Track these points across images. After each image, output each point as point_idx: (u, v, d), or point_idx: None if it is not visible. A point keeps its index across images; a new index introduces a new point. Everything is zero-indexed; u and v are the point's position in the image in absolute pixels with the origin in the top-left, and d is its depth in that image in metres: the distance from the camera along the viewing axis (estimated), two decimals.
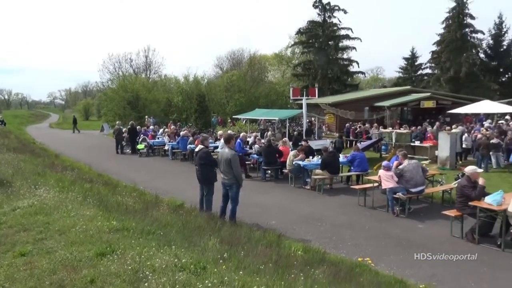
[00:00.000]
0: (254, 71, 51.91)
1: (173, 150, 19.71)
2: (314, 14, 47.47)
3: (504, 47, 44.14)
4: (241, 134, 17.33)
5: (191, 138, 18.76)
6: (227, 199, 8.66)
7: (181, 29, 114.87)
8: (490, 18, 63.53)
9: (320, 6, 45.73)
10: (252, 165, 15.64)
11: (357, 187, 11.23)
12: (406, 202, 9.62)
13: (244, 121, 29.51)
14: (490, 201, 7.59)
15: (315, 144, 18.52)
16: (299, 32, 48.18)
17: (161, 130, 24.20)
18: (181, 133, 20.15)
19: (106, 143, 27.01)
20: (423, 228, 8.75)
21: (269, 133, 21.69)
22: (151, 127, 25.48)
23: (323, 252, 6.84)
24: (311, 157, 13.85)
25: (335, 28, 46.19)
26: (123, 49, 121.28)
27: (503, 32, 44.09)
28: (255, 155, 15.46)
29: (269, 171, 14.68)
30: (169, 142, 20.47)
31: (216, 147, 16.89)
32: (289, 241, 7.45)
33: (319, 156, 13.70)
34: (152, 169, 17.07)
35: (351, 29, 45.75)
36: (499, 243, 7.51)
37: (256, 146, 15.70)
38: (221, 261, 4.82)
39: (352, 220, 9.40)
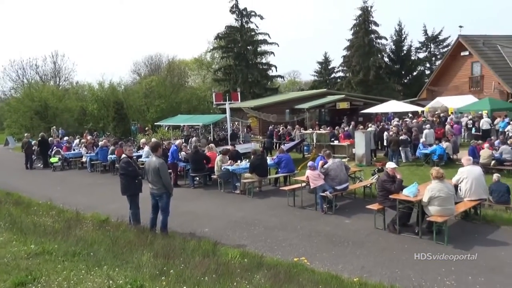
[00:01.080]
0: (174, 77, 50.93)
1: (92, 162, 18.47)
2: (231, 19, 47.99)
3: (404, 51, 48.83)
4: (177, 141, 16.82)
5: (111, 148, 17.75)
6: (157, 210, 8.30)
7: (93, 33, 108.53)
8: (391, 25, 69.81)
9: (237, 12, 46.37)
10: (179, 173, 15.23)
11: (285, 188, 11.50)
12: (333, 200, 10.08)
13: (167, 127, 28.72)
14: (407, 193, 8.25)
15: (241, 148, 18.66)
16: (217, 37, 48.34)
17: (76, 141, 22.58)
18: (100, 143, 18.98)
19: (13, 158, 24.50)
20: (350, 223, 9.24)
21: (194, 139, 21.39)
22: (65, 138, 23.64)
23: (260, 256, 6.87)
24: (239, 161, 13.90)
25: (253, 33, 47.17)
26: (27, 54, 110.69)
27: (403, 38, 48.75)
28: (181, 163, 15.10)
29: (198, 178, 14.43)
30: (87, 153, 19.17)
31: (140, 156, 16.19)
32: (225, 247, 7.36)
33: (247, 160, 13.80)
34: (69, 184, 15.80)
35: (268, 34, 47.11)
36: (416, 231, 8.19)
37: (183, 153, 15.33)
38: (159, 276, 4.57)
39: (283, 221, 9.59)
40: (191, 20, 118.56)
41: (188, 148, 16.19)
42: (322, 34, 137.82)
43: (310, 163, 10.95)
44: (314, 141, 20.47)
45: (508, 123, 21.00)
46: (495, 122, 21.73)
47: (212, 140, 21.28)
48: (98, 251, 5.84)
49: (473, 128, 21.94)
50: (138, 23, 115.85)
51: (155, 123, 30.83)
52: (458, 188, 8.99)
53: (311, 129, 23.92)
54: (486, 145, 16.14)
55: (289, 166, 13.21)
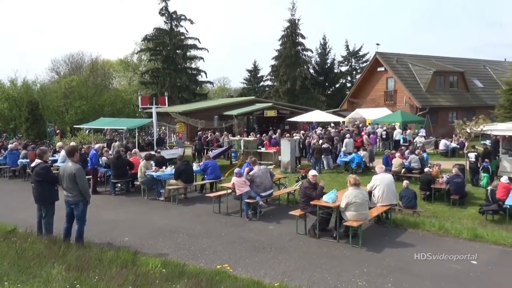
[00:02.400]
0: (97, 77, 48.35)
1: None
2: (161, 22, 46.97)
3: (328, 64, 51.55)
4: (97, 145, 15.86)
5: (23, 151, 16.29)
6: (72, 219, 7.74)
7: (4, 26, 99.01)
8: (317, 38, 73.33)
9: (166, 14, 45.53)
10: (99, 179, 14.42)
11: (211, 195, 11.43)
12: (258, 206, 10.23)
13: (87, 131, 27.11)
14: (326, 199, 8.67)
15: (167, 153, 18.23)
16: (145, 38, 46.97)
17: None
18: (9, 146, 17.33)
19: None
20: (273, 228, 9.44)
21: (117, 143, 20.44)
22: None
23: (182, 264, 6.72)
24: (164, 167, 13.55)
25: (183, 37, 46.61)
26: None
27: (327, 52, 51.47)
28: (102, 168, 14.32)
29: (119, 185, 13.78)
30: None
31: (55, 161, 15.06)
32: (146, 257, 7.09)
33: (172, 166, 13.51)
34: None
35: (198, 39, 46.86)
36: (334, 235, 8.63)
37: (104, 158, 14.55)
38: None
39: (208, 228, 9.52)
40: (117, 19, 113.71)
41: (110, 153, 15.42)
42: (252, 43, 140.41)
43: (236, 169, 11.03)
44: (242, 148, 20.67)
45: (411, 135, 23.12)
46: (407, 133, 23.72)
47: (138, 144, 20.49)
48: (1, 265, 5.29)
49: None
50: (59, 18, 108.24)
51: (74, 126, 28.96)
52: (372, 194, 9.64)
53: (239, 136, 24.15)
54: (397, 154, 17.57)
55: (215, 173, 13.18)
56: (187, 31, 46.66)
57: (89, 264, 5.91)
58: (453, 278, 6.58)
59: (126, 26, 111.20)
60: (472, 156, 16.12)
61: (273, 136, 22.71)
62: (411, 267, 7.07)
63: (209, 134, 25.10)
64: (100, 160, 14.27)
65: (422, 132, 24.93)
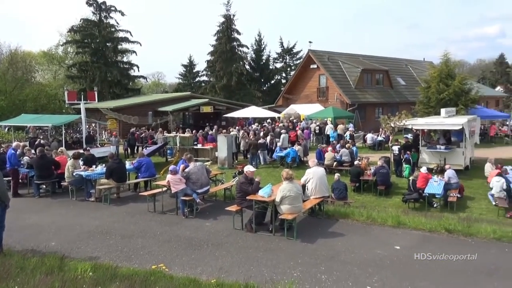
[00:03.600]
0: (17, 70, 44.57)
1: None
2: (88, 12, 44.49)
3: (264, 61, 52.26)
4: (14, 144, 14.58)
5: None
6: None
7: None
8: (252, 35, 73.93)
9: (94, 4, 43.21)
10: (20, 181, 13.34)
11: (145, 193, 11.08)
12: (194, 203, 10.12)
13: (7, 128, 24.94)
14: (262, 193, 8.81)
15: (97, 151, 17.38)
16: (72, 30, 44.15)
17: None
18: None
19: None
20: (210, 225, 9.40)
21: (42, 141, 19.07)
22: None
23: (114, 267, 6.45)
24: (94, 166, 12.89)
25: (113, 29, 44.53)
26: None
27: (262, 48, 52.12)
28: (24, 169, 13.27)
29: (44, 186, 12.86)
30: None
31: None
32: (74, 261, 6.72)
33: (103, 165, 12.90)
34: None
35: (130, 32, 45.07)
36: (270, 229, 8.80)
37: (26, 158, 13.48)
38: None
39: (143, 228, 9.23)
40: (39, 8, 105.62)
41: (32, 152, 14.33)
42: (188, 37, 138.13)
43: (171, 167, 10.81)
44: (178, 145, 20.31)
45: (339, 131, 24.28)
46: (338, 128, 24.82)
47: (65, 142, 19.24)
48: None
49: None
50: None
51: None
52: (306, 187, 9.97)
53: (174, 132, 23.68)
54: (329, 148, 18.35)
55: (150, 170, 12.82)
56: (117, 23, 44.72)
57: (9, 273, 5.47)
58: (378, 263, 7.03)
59: (49, 16, 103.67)
60: (395, 149, 17.31)
61: (210, 132, 22.58)
62: (341, 255, 7.44)
63: (143, 130, 24.31)
64: (21, 159, 13.21)
65: (351, 127, 26.28)
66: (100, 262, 6.87)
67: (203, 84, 52.66)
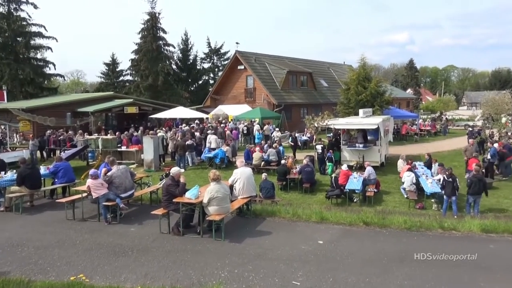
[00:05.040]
0: None
1: None
2: None
3: (191, 61, 51.66)
4: None
5: None
6: None
7: None
8: (179, 34, 72.63)
9: None
10: None
11: (63, 200, 10.35)
12: (118, 208, 9.68)
13: None
14: (189, 195, 8.69)
15: (7, 156, 15.89)
16: None
17: None
18: None
19: None
20: (135, 230, 9.06)
21: None
22: None
23: (27, 281, 5.95)
24: (3, 172, 11.75)
25: (24, 23, 40.88)
26: None
27: (189, 48, 51.48)
28: None
29: None
30: None
31: None
32: None
33: (14, 171, 11.81)
34: None
35: (44, 27, 41.73)
36: (198, 231, 8.72)
37: None
38: None
39: (60, 237, 8.61)
40: None
41: None
42: (110, 34, 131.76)
43: (92, 171, 10.23)
44: (100, 147, 19.27)
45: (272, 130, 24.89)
46: (264, 128, 25.33)
47: None
48: None
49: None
50: None
51: None
52: (233, 187, 10.04)
53: (96, 134, 22.43)
54: (257, 148, 18.66)
55: (68, 175, 12.01)
56: (29, 16, 41.11)
57: None
58: (303, 258, 7.31)
59: None
60: (319, 147, 18.14)
61: (135, 134, 21.75)
62: (268, 253, 7.60)
63: (61, 133, 22.69)
64: None
65: (272, 127, 26.97)
66: (10, 277, 6.29)
67: (127, 84, 50.57)
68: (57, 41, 42.47)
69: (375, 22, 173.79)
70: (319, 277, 6.50)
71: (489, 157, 16.17)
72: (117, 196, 9.71)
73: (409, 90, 70.90)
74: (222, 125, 25.46)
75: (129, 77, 51.95)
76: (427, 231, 8.88)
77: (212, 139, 20.54)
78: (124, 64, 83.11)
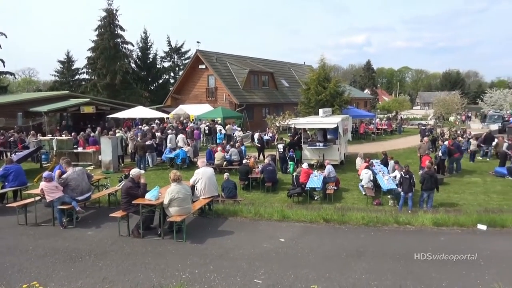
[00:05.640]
0: None
1: None
2: None
3: (151, 59, 50.55)
4: None
5: None
6: None
7: None
8: (137, 31, 70.98)
9: None
10: None
11: (15, 204, 9.85)
12: (74, 212, 9.33)
13: None
14: (149, 197, 8.53)
15: None
16: None
17: None
18: None
19: None
20: (93, 234, 8.77)
21: None
22: None
23: None
24: None
25: None
26: None
27: (148, 46, 50.34)
28: None
29: None
30: None
31: None
32: None
33: None
34: None
35: None
36: (159, 232, 8.58)
37: None
38: None
39: (12, 243, 8.18)
40: None
41: None
42: (65, 31, 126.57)
43: (45, 173, 9.78)
44: (55, 149, 18.47)
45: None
46: (226, 128, 25.30)
47: None
48: None
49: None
50: None
51: None
52: (195, 188, 9.96)
53: (50, 135, 21.46)
54: (219, 148, 18.59)
55: (19, 179, 11.41)
56: None
57: None
58: (265, 257, 7.38)
59: None
60: (280, 147, 18.34)
61: (92, 135, 21.03)
62: (230, 252, 7.61)
63: (12, 134, 21.52)
64: None
65: (235, 126, 27.03)
66: None
67: (83, 83, 48.68)
68: (6, 37, 40.25)
69: (334, 24, 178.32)
70: (281, 275, 6.59)
71: (440, 154, 17.00)
72: (73, 199, 9.36)
73: (366, 91, 73.20)
74: (185, 125, 25.18)
75: (85, 76, 50.07)
76: (383, 226, 9.23)
77: (179, 138, 20.39)
78: (80, 62, 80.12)
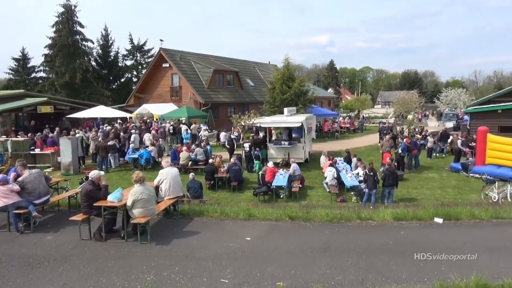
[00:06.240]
0: None
1: None
2: None
3: (112, 57, 49.13)
4: None
5: None
6: None
7: None
8: (98, 28, 68.77)
9: None
10: None
11: None
12: (31, 216, 8.93)
13: None
14: (111, 198, 8.30)
15: None
16: None
17: None
18: None
19: None
20: (52, 239, 8.43)
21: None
22: None
23: None
24: None
25: None
26: None
27: (109, 44, 48.89)
28: None
29: None
30: None
31: None
32: None
33: None
34: None
35: None
36: (122, 235, 8.37)
37: None
38: None
39: None
40: None
41: None
42: (19, 26, 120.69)
43: (0, 176, 9.29)
44: (10, 151, 17.59)
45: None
46: (192, 127, 25.04)
47: None
48: None
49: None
50: None
51: None
52: (159, 188, 9.80)
53: (5, 137, 20.42)
54: (184, 148, 18.39)
55: None
56: None
57: None
58: (231, 256, 7.38)
59: None
60: (246, 146, 18.39)
61: (50, 135, 20.21)
62: (196, 253, 7.55)
63: None
64: None
65: (204, 126, 26.85)
66: None
67: (40, 81, 46.64)
68: None
69: (298, 24, 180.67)
70: (247, 273, 6.61)
71: (400, 151, 17.64)
72: (30, 203, 8.96)
73: (330, 90, 74.70)
74: (148, 124, 24.70)
75: (42, 74, 47.99)
76: (347, 222, 9.46)
77: (146, 138, 20.04)
78: (37, 59, 76.58)
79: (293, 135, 20.03)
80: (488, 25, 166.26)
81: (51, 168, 17.27)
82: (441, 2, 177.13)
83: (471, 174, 16.29)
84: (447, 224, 9.32)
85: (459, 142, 19.47)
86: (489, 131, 16.50)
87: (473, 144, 18.76)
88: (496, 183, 12.90)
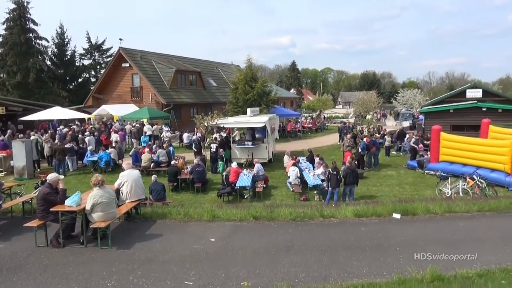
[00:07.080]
0: None
1: None
2: None
3: (68, 56, 47.25)
4: None
5: None
6: None
7: None
8: (53, 26, 65.85)
9: None
10: None
11: None
12: None
13: None
14: (69, 203, 7.99)
15: None
16: None
17: None
18: None
19: None
20: (4, 247, 8.00)
21: None
22: None
23: None
24: None
25: None
26: None
27: (66, 42, 46.97)
28: None
29: None
30: None
31: None
32: None
33: None
34: None
35: None
36: (81, 240, 8.08)
37: None
38: None
39: None
40: None
41: None
42: None
43: None
44: None
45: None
46: (153, 128, 24.56)
47: None
48: None
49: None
50: None
51: None
52: (120, 191, 9.55)
53: None
54: (146, 149, 18.02)
55: None
56: None
57: None
58: (195, 258, 7.32)
59: None
60: (213, 146, 18.28)
61: (1, 138, 19.17)
62: (159, 256, 7.42)
63: None
64: None
65: (166, 127, 26.45)
66: None
67: None
68: None
69: (261, 25, 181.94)
70: (212, 274, 6.58)
71: (360, 150, 18.17)
72: None
73: (292, 90, 75.67)
74: (108, 126, 23.97)
75: None
76: (310, 220, 9.63)
77: (113, 137, 19.58)
78: None
79: (257, 136, 20.13)
80: (438, 28, 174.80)
81: (3, 173, 16.43)
82: (397, 5, 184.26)
83: (426, 171, 17.06)
84: (404, 219, 9.70)
85: (412, 140, 20.31)
86: (442, 129, 17.34)
87: (428, 142, 19.64)
88: (449, 179, 13.57)
